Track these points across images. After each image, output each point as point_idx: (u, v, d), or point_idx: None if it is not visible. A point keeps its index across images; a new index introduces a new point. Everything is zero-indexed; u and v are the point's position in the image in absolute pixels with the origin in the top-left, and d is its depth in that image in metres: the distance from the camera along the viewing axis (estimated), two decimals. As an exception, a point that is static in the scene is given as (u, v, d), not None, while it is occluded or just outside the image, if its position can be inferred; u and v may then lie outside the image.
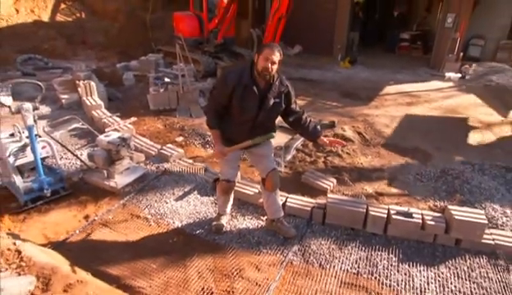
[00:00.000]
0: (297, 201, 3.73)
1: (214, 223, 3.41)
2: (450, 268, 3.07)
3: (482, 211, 3.47)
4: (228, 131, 2.97)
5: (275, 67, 2.72)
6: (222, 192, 3.29)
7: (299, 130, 3.22)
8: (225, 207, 3.44)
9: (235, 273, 2.94)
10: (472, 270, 3.05)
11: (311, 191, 4.13)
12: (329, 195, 3.77)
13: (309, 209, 3.61)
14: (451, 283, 2.92)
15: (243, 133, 2.93)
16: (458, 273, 3.03)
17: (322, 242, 3.32)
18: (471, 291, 2.85)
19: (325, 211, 3.54)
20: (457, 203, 3.96)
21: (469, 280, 2.96)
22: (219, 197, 3.42)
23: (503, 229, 3.55)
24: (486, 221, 3.23)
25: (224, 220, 3.44)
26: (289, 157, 4.89)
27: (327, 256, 3.17)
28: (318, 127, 3.06)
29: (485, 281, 2.95)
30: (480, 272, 3.04)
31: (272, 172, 3.14)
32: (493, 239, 3.26)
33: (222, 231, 3.39)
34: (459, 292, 2.84)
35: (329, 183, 4.24)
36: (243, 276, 2.90)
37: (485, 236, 3.24)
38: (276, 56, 2.69)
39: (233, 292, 2.75)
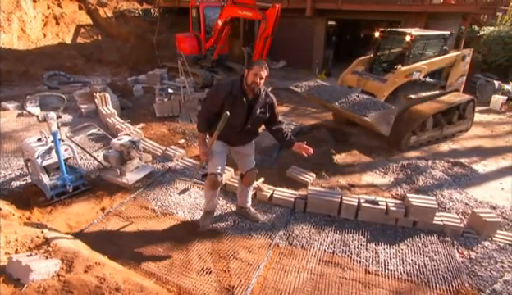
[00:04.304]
0: (282, 192, 3.74)
1: (201, 225, 3.14)
2: (408, 245, 3.14)
3: (434, 198, 3.54)
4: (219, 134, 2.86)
5: (262, 81, 2.70)
6: (210, 187, 2.97)
7: (278, 138, 3.08)
8: (212, 203, 3.14)
9: (230, 255, 2.94)
10: (425, 246, 3.12)
11: (294, 184, 4.15)
12: (309, 187, 3.81)
13: (293, 199, 3.63)
14: (409, 258, 2.98)
15: (232, 137, 2.92)
16: (414, 249, 3.09)
17: (304, 227, 3.34)
18: (424, 263, 2.92)
19: (306, 201, 3.57)
20: (414, 192, 4.04)
21: (423, 254, 3.03)
22: (207, 193, 3.10)
23: (449, 212, 3.65)
24: (436, 206, 3.31)
25: (209, 221, 3.19)
26: (275, 155, 4.91)
27: (308, 238, 3.20)
28: (293, 138, 3.05)
29: (435, 254, 3.03)
30: (431, 247, 3.11)
31: (250, 171, 3.12)
32: (442, 220, 3.34)
33: (209, 228, 3.19)
34: (415, 264, 2.91)
35: (309, 177, 4.27)
36: (237, 257, 2.91)
37: (436, 218, 3.32)
38: (264, 73, 2.67)
39: (229, 270, 2.76)
